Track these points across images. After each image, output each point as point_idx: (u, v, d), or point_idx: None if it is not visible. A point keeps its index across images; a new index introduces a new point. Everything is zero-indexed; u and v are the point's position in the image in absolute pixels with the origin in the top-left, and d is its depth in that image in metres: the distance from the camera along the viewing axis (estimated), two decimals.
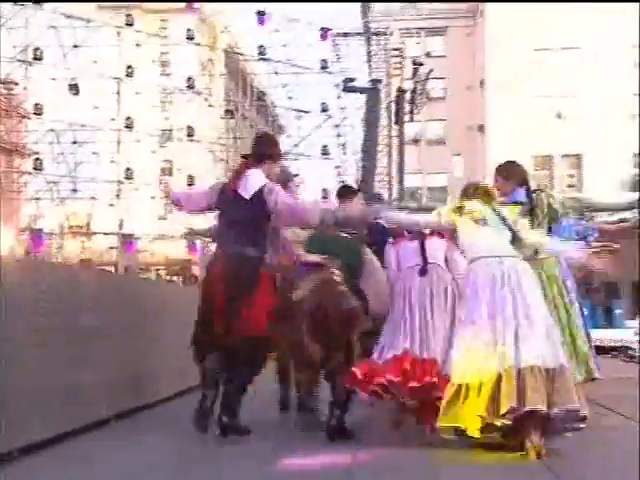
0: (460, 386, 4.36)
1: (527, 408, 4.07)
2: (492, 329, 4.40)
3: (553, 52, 35.65)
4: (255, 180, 5.04)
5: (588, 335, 6.46)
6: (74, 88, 28.42)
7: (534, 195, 5.66)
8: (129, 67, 29.27)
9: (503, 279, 4.56)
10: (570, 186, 36.32)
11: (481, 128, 37.32)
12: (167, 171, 34.83)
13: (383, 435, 5.11)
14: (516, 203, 5.41)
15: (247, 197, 4.91)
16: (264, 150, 5.39)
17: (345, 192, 6.69)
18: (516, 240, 4.88)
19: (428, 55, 35.53)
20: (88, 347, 5.05)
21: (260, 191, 5.02)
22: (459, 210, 5.04)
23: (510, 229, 4.86)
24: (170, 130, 33.95)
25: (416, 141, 35.83)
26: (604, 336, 24.64)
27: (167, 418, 6.15)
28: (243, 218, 4.99)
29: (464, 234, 4.95)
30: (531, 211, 5.57)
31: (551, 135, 34.62)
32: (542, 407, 4.04)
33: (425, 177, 37.31)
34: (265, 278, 4.99)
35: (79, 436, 4.75)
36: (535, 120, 34.38)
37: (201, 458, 4.46)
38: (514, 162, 6.80)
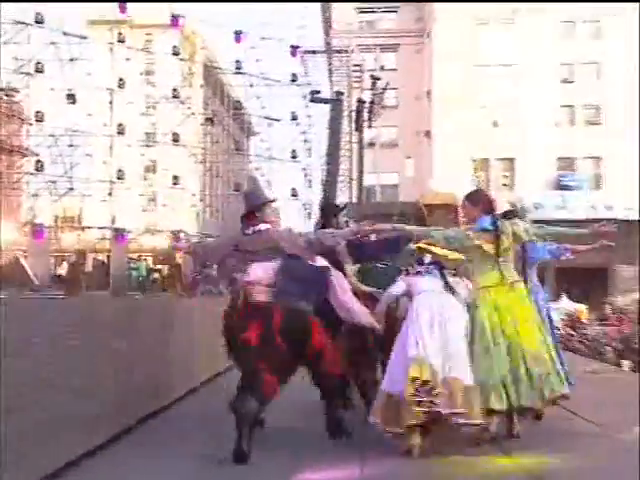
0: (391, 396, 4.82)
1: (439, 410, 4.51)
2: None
3: (491, 67, 38.28)
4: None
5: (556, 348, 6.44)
6: (71, 97, 31.05)
7: (499, 222, 5.41)
8: (120, 79, 32.17)
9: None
10: (504, 185, 38.93)
11: (428, 134, 39.46)
12: (152, 169, 37.60)
13: (389, 445, 4.93)
14: (482, 230, 5.35)
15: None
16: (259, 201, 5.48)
17: (330, 209, 7.32)
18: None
19: (382, 68, 37.80)
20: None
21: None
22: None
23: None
24: (154, 133, 36.82)
25: (372, 145, 37.18)
26: None
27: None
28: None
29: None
30: (497, 237, 5.36)
31: (488, 141, 37.28)
32: (455, 417, 4.54)
33: (380, 176, 39.10)
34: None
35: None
36: (474, 127, 36.85)
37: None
38: (481, 190, 6.33)
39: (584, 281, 36.40)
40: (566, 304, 31.47)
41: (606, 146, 37.37)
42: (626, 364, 19.65)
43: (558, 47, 37.90)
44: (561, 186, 38.67)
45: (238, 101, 41.80)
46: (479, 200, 5.64)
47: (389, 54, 41.94)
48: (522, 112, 37.87)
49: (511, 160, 39.57)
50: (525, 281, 5.87)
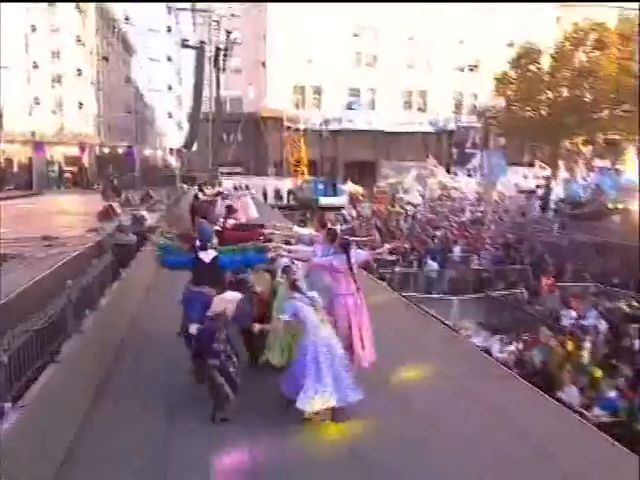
0: None
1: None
2: None
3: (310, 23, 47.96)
4: None
5: None
6: None
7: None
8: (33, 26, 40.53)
9: None
10: (314, 105, 52.09)
11: (263, 64, 49.48)
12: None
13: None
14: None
15: None
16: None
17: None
18: None
19: (232, 15, 42.63)
20: None
21: None
22: None
23: None
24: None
25: (224, 70, 41.56)
26: (330, 202, 37.60)
27: None
28: None
29: None
30: None
31: (305, 73, 48.98)
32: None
33: (229, 93, 47.68)
34: None
35: None
36: (296, 63, 47.79)
37: None
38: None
39: (361, 171, 50.97)
40: (350, 187, 45.98)
41: (380, 82, 51.84)
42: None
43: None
44: (350, 107, 52.70)
45: (129, 45, 50.02)
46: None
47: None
48: (327, 53, 49.12)
49: (319, 88, 52.36)
50: None
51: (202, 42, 41.03)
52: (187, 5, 46.90)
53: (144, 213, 15.53)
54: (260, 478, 4.73)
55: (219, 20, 40.97)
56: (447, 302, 17.37)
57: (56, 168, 34.75)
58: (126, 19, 44.04)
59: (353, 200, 40.95)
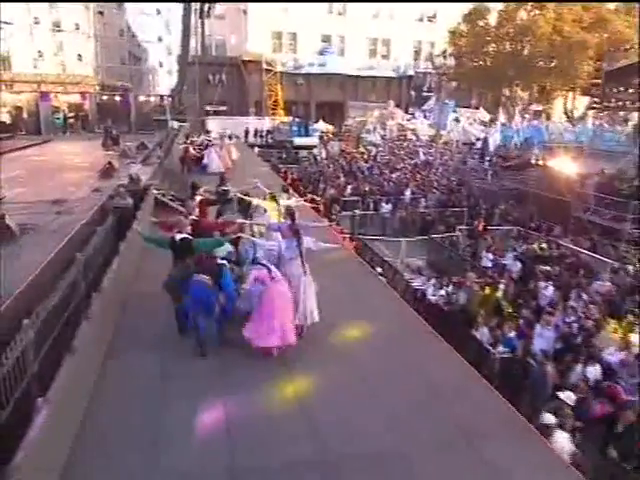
0: None
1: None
2: None
3: None
4: None
5: None
6: None
7: None
8: None
9: None
10: (290, 50, 50.71)
11: (245, 12, 48.32)
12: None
13: None
14: None
15: None
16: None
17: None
18: None
19: None
20: None
21: None
22: None
23: None
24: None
25: (208, 16, 40.39)
26: (303, 141, 37.51)
27: None
28: None
29: None
30: None
31: (282, 20, 48.46)
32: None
33: (214, 38, 47.94)
34: None
35: None
36: (274, 12, 47.03)
37: None
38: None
39: (331, 111, 50.69)
40: (321, 125, 45.07)
41: (349, 30, 50.80)
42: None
43: None
44: (323, 52, 51.21)
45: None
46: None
47: None
48: (302, 2, 47.49)
49: (294, 34, 50.88)
50: None
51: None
52: None
53: (138, 170, 15.73)
54: (230, 428, 5.28)
55: None
56: (397, 242, 17.97)
57: (61, 115, 33.35)
58: None
59: (324, 140, 41.12)
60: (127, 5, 49.89)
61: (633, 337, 9.82)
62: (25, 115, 31.70)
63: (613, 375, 8.97)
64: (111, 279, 7.14)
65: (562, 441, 6.33)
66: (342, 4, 51.03)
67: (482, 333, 10.05)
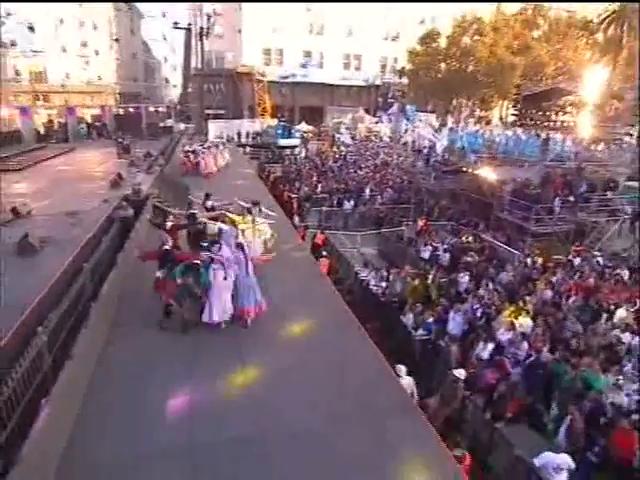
0: None
1: None
2: None
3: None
4: None
5: None
6: None
7: None
8: None
9: None
10: (278, 63, 49.60)
11: (240, 31, 47.13)
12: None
13: None
14: None
15: None
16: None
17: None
18: None
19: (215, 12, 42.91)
20: None
21: None
22: None
23: None
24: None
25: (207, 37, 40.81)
26: (286, 142, 36.72)
27: None
28: None
29: None
30: None
31: (270, 39, 48.05)
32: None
33: (215, 53, 48.02)
34: None
35: None
36: (265, 32, 46.52)
37: None
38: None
39: (312, 114, 49.56)
40: (303, 126, 44.91)
41: (327, 47, 50.12)
42: None
43: None
44: (305, 65, 50.63)
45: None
46: None
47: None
48: (288, 23, 47.61)
49: (281, 50, 49.92)
50: None
51: (189, 24, 40.47)
52: None
53: (142, 179, 15.84)
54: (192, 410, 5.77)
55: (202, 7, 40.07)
56: (354, 236, 18.52)
57: (84, 125, 32.80)
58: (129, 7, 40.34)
59: (305, 140, 41.08)
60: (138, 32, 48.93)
61: (522, 319, 10.50)
62: (56, 126, 31.53)
63: (503, 350, 9.66)
64: (110, 281, 7.64)
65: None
66: (321, 25, 50.22)
67: (408, 318, 10.61)
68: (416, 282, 12.14)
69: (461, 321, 10.42)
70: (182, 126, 40.83)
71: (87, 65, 43.94)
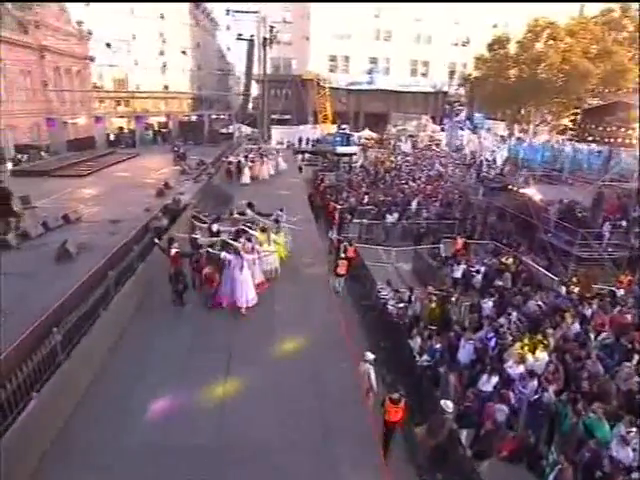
0: None
1: None
2: None
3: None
4: None
5: None
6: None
7: None
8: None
9: None
10: (343, 69, 51.24)
11: (307, 39, 49.21)
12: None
13: None
14: None
15: None
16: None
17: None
18: None
19: (284, 21, 47.30)
20: None
21: None
22: None
23: None
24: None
25: (278, 42, 42.74)
26: (344, 150, 36.86)
27: None
28: None
29: None
30: None
31: (337, 47, 49.10)
32: None
33: (280, 61, 50.41)
34: None
35: None
36: (329, 40, 48.24)
37: None
38: None
39: (377, 120, 50.20)
40: (366, 133, 46.14)
41: (393, 53, 50.19)
42: None
43: None
44: (371, 72, 51.36)
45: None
46: None
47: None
48: (354, 30, 48.39)
49: (347, 57, 51.07)
50: None
51: (252, 35, 42.37)
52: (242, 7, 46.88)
53: (188, 188, 17.10)
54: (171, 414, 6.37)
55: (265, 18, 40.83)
56: (391, 251, 18.28)
57: (150, 132, 35.89)
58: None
59: (365, 147, 41.17)
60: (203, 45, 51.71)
61: (538, 354, 10.06)
62: (126, 132, 34.20)
63: (511, 384, 9.35)
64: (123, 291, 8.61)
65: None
66: (388, 31, 50.53)
67: (415, 342, 10.56)
68: (433, 304, 12.03)
69: (471, 350, 10.25)
70: (246, 131, 42.91)
71: (163, 73, 47.04)
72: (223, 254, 8.80)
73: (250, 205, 12.90)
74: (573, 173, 18.88)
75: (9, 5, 30.98)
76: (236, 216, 11.52)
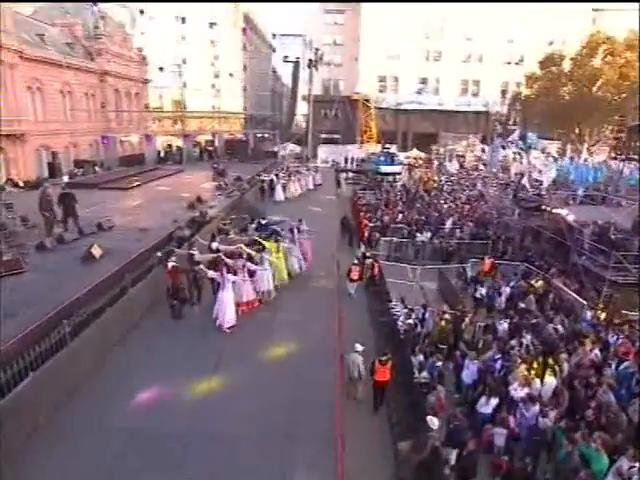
0: None
1: None
2: None
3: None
4: None
5: None
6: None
7: None
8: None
9: None
10: (393, 90, 51.67)
11: (356, 59, 50.05)
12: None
13: None
14: None
15: None
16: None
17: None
18: None
19: (335, 43, 49.67)
20: None
21: None
22: None
23: None
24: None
25: (328, 64, 47.97)
26: (387, 169, 37.41)
27: None
28: None
29: None
30: None
31: (386, 68, 49.85)
32: None
33: (331, 82, 52.47)
34: None
35: None
36: (379, 61, 48.68)
37: None
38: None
39: (426, 140, 50.12)
40: (414, 153, 46.04)
41: (443, 73, 50.26)
42: None
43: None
44: (420, 92, 51.68)
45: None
46: None
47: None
48: (404, 50, 49.26)
49: (397, 77, 51.84)
50: None
51: (297, 58, 45.24)
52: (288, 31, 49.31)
53: (219, 202, 17.97)
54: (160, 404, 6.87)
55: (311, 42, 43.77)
56: (416, 269, 18.12)
57: (197, 149, 37.75)
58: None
59: (411, 167, 41.11)
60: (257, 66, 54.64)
61: (547, 379, 9.70)
62: (174, 150, 36.11)
63: (512, 406, 9.10)
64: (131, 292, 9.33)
65: None
66: (438, 51, 50.58)
67: (416, 360, 10.51)
68: (442, 323, 11.93)
69: (474, 370, 10.09)
70: (293, 149, 44.22)
71: (218, 93, 49.67)
72: (210, 272, 9.21)
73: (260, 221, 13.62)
74: (631, 194, 17.96)
75: (79, 34, 34.34)
76: (232, 236, 12.02)
